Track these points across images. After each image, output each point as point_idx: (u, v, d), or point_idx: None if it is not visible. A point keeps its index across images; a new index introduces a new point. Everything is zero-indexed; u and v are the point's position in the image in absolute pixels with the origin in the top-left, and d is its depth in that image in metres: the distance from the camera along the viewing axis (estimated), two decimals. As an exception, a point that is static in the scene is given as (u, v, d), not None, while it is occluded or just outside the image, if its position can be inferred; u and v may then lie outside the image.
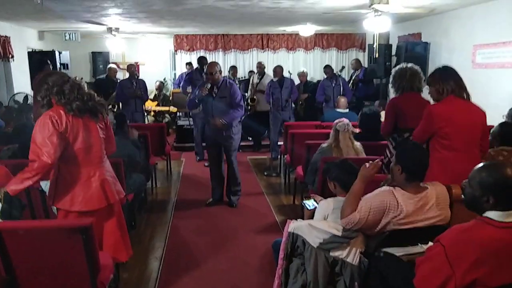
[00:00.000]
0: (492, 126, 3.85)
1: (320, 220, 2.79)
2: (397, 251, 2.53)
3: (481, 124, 3.25)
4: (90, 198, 2.78)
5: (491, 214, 1.92)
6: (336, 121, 4.34)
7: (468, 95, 3.25)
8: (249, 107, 9.05)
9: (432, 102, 3.40)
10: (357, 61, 9.69)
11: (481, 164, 2.02)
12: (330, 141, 4.33)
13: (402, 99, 4.01)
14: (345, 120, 4.30)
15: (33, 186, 2.61)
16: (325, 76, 8.31)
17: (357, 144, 4.32)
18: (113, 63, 11.18)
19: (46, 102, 2.74)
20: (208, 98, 5.15)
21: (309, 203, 3.05)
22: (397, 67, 4.15)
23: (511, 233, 1.87)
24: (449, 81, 3.21)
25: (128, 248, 3.13)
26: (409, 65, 4.07)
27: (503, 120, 4.37)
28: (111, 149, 3.09)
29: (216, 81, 5.12)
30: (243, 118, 8.70)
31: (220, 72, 5.19)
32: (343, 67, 9.60)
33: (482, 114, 3.26)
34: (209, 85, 5.09)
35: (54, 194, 2.79)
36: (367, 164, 2.68)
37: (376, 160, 2.70)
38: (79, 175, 2.77)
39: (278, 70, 7.92)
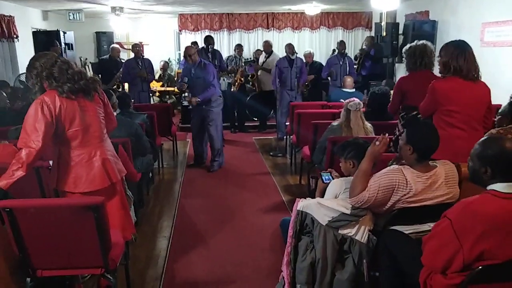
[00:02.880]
0: (500, 105, 3.82)
1: (330, 199, 2.81)
2: (406, 229, 2.54)
3: (485, 101, 3.22)
4: (93, 178, 2.77)
5: (496, 186, 1.94)
6: (348, 100, 4.32)
7: (478, 75, 3.19)
8: (250, 84, 8.99)
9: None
10: (372, 38, 9.29)
11: (481, 139, 2.06)
12: (341, 120, 4.32)
13: (410, 77, 4.00)
14: (357, 100, 4.29)
15: (25, 175, 2.53)
16: (335, 53, 8.20)
17: (368, 124, 4.31)
18: (117, 43, 11.12)
19: (38, 88, 2.68)
20: (190, 79, 5.90)
21: (326, 176, 3.05)
22: (408, 45, 4.12)
23: None
24: (458, 60, 3.13)
25: (131, 225, 3.14)
26: (420, 42, 4.02)
27: (510, 99, 4.32)
28: (112, 125, 3.07)
29: (194, 62, 5.86)
30: (248, 99, 8.72)
31: (196, 54, 5.95)
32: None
33: (486, 90, 3.23)
34: (186, 79, 5.91)
35: (57, 178, 2.78)
36: (377, 142, 2.69)
37: (382, 136, 2.69)
38: (80, 156, 2.75)
39: (291, 47, 7.85)
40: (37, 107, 2.56)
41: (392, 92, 4.43)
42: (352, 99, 4.31)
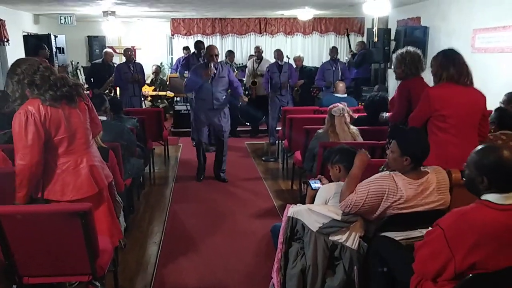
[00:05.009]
0: (491, 111, 3.84)
1: (321, 205, 2.80)
2: (397, 236, 2.53)
3: (480, 108, 3.21)
4: (80, 186, 2.72)
5: (490, 197, 1.92)
6: (331, 106, 4.31)
7: (470, 81, 3.20)
8: (247, 93, 9.01)
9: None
10: (363, 43, 9.56)
11: (479, 147, 2.04)
12: (326, 127, 4.32)
13: (414, 84, 3.79)
14: (340, 105, 4.27)
15: (28, 190, 2.55)
16: (328, 59, 8.27)
17: (354, 128, 4.31)
18: (109, 47, 11.07)
19: (19, 95, 2.60)
20: (205, 81, 5.49)
21: (314, 183, 3.05)
22: (398, 52, 4.09)
23: (510, 216, 1.87)
24: (448, 68, 3.15)
25: (118, 231, 3.09)
26: (410, 49, 4.00)
27: (500, 105, 4.34)
28: (97, 129, 3.02)
29: (216, 62, 5.50)
30: (240, 103, 8.69)
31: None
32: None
33: (482, 98, 3.22)
34: (212, 65, 5.46)
35: (42, 186, 2.72)
36: (363, 150, 2.75)
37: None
38: (67, 164, 2.70)
39: (280, 52, 7.89)
40: (22, 118, 2.49)
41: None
42: (335, 104, 4.30)
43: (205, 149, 6.09)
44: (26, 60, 2.66)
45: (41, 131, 2.52)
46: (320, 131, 4.38)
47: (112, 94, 8.00)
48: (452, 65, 3.15)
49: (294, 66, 8.73)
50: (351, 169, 2.72)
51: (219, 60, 5.74)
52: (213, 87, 5.52)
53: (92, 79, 8.11)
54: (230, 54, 9.24)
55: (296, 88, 8.60)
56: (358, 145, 3.79)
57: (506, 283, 1.92)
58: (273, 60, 8.11)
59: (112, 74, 7.86)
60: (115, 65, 8.36)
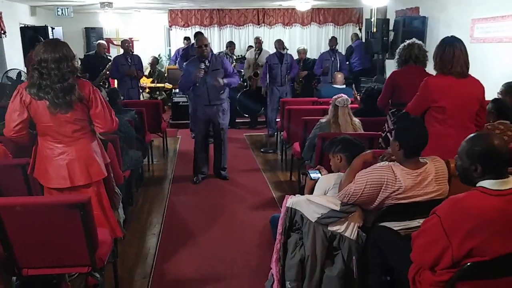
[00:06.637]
0: (489, 101, 3.83)
1: (320, 195, 2.80)
2: (395, 226, 2.54)
3: (477, 99, 3.19)
4: (56, 176, 2.77)
5: (485, 183, 1.94)
6: (335, 96, 4.30)
7: (465, 72, 3.18)
8: (245, 84, 8.98)
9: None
10: (355, 35, 9.93)
11: (469, 136, 2.05)
12: (329, 117, 4.31)
13: (401, 72, 4.00)
14: (344, 96, 4.27)
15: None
16: (328, 49, 8.28)
17: (356, 120, 4.31)
18: (106, 39, 11.04)
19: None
20: (197, 81, 5.19)
21: (314, 173, 3.05)
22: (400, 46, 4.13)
23: (506, 201, 1.89)
24: (443, 55, 3.13)
25: (113, 228, 3.01)
26: (409, 40, 4.04)
27: (497, 96, 4.34)
28: (104, 127, 2.87)
29: (207, 54, 5.17)
30: (239, 95, 8.68)
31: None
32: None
33: (480, 89, 3.20)
34: (202, 65, 5.15)
35: (33, 164, 2.84)
36: (372, 151, 2.79)
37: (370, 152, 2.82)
38: (51, 151, 2.77)
39: (281, 42, 7.83)
40: (14, 93, 2.68)
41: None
42: (340, 95, 4.29)
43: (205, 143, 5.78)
44: (50, 51, 2.63)
45: (20, 109, 2.67)
46: (322, 120, 4.37)
47: (106, 86, 7.95)
48: (451, 54, 3.11)
49: (298, 58, 8.68)
50: (353, 160, 2.73)
51: (219, 51, 5.59)
52: (207, 82, 5.17)
53: (86, 72, 8.05)
54: (231, 45, 9.15)
55: (300, 79, 8.57)
56: (360, 136, 3.79)
57: (503, 271, 1.93)
58: (272, 51, 8.07)
59: (106, 66, 7.82)
60: (109, 57, 8.31)
